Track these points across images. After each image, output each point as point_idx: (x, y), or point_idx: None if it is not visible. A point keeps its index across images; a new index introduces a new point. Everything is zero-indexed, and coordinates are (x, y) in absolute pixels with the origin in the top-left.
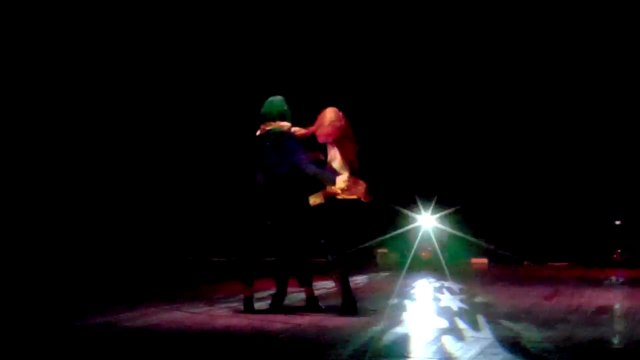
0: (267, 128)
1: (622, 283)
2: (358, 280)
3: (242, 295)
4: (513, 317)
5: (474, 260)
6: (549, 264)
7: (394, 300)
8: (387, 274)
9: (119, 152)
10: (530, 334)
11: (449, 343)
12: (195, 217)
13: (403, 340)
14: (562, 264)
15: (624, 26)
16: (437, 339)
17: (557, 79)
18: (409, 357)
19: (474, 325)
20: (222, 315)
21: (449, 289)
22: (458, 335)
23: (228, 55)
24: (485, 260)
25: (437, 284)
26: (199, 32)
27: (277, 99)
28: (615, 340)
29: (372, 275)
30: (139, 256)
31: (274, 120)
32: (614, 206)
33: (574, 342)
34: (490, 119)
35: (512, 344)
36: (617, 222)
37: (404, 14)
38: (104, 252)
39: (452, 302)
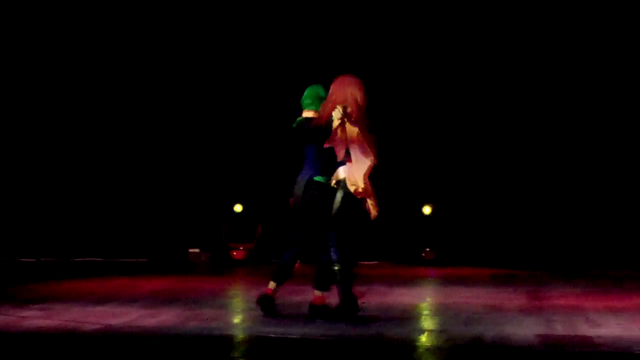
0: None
1: (432, 281)
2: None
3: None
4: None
5: None
6: (359, 262)
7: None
8: (200, 276)
9: None
10: (342, 332)
11: (258, 345)
12: (3, 216)
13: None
14: (372, 262)
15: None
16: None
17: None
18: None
19: (280, 325)
20: (32, 316)
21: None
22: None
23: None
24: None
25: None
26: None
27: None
28: (425, 338)
29: (182, 278)
30: None
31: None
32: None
33: (385, 340)
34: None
35: (323, 342)
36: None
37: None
38: None
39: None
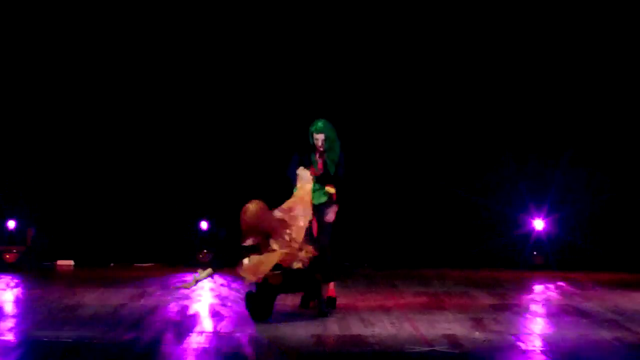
0: None
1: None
2: None
3: None
4: (99, 318)
5: (60, 262)
6: (135, 265)
7: None
8: None
9: None
10: (113, 335)
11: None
12: None
13: None
14: (148, 264)
15: None
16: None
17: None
18: None
19: (56, 328)
20: None
21: (31, 292)
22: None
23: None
24: (71, 262)
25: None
26: None
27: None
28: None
29: None
30: None
31: None
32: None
33: (157, 340)
34: None
35: (93, 344)
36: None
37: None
38: None
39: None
